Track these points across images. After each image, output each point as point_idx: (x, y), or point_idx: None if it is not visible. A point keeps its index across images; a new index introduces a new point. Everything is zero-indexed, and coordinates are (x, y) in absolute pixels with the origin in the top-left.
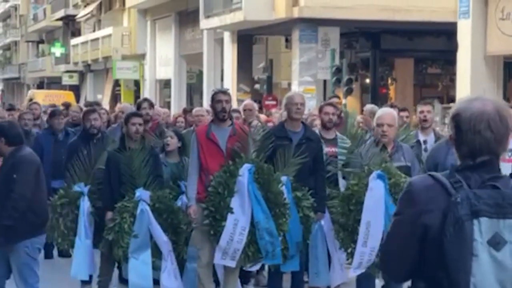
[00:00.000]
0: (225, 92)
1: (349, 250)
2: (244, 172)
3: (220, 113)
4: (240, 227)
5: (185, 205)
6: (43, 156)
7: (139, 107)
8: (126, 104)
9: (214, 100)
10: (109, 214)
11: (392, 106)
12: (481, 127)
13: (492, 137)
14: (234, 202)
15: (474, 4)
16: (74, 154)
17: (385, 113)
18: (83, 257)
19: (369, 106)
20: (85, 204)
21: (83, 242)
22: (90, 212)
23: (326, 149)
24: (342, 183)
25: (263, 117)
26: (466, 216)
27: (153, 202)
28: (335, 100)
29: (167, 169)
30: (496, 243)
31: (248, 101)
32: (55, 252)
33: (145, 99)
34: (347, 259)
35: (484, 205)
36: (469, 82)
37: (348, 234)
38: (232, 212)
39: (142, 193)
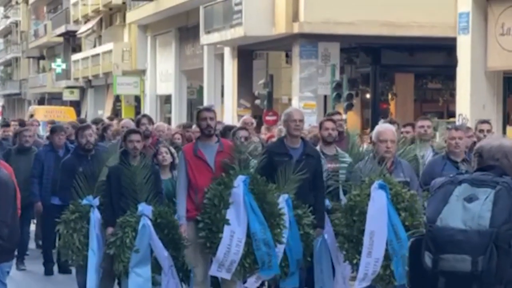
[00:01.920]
0: (208, 109)
1: (354, 261)
2: (239, 183)
3: (206, 130)
4: (237, 238)
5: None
6: (43, 173)
7: (138, 123)
8: (127, 120)
9: (199, 118)
10: (110, 229)
11: (391, 122)
12: (499, 156)
13: (508, 164)
14: (230, 214)
15: (473, 20)
16: (70, 171)
17: (387, 129)
18: (98, 268)
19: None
20: (95, 216)
21: (96, 253)
22: (102, 223)
23: (327, 165)
24: (343, 199)
25: (263, 132)
26: (450, 183)
27: (154, 217)
28: (337, 117)
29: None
30: (469, 198)
31: (246, 116)
32: (55, 268)
33: (144, 115)
34: (352, 272)
35: (469, 179)
36: (469, 98)
37: (353, 245)
38: (228, 224)
39: (144, 208)
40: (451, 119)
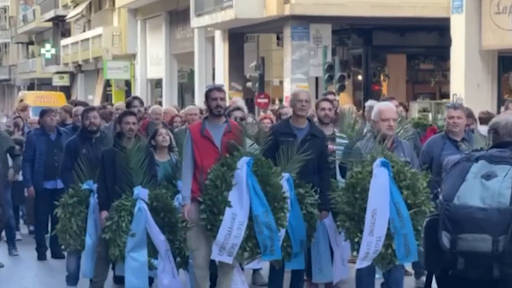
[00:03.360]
0: (219, 89)
1: (356, 240)
2: (242, 165)
3: (215, 110)
4: (238, 221)
5: (177, 204)
6: (35, 157)
7: (129, 105)
8: (121, 103)
9: (208, 97)
10: (104, 213)
11: (391, 99)
12: None
13: None
14: (232, 196)
15: None
16: (73, 153)
17: (389, 107)
18: (93, 253)
19: (372, 102)
20: (95, 201)
21: (93, 239)
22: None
23: None
24: (340, 180)
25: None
26: (466, 160)
27: (150, 200)
28: (331, 96)
29: (159, 168)
30: (488, 175)
31: (236, 98)
32: (48, 253)
33: (135, 97)
34: (353, 251)
35: (486, 156)
36: (464, 77)
37: (354, 223)
38: (230, 206)
39: (140, 192)
40: (444, 100)
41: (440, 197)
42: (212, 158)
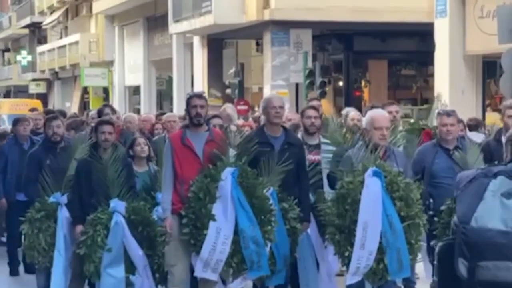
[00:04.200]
0: (200, 96)
1: (346, 254)
2: (227, 176)
3: (195, 118)
4: (223, 235)
5: (155, 217)
6: (7, 168)
7: (100, 113)
8: (96, 111)
9: (188, 104)
10: (79, 228)
11: (390, 104)
12: None
13: None
14: (216, 209)
15: (451, 3)
16: (36, 164)
17: (382, 115)
18: (64, 271)
19: (349, 110)
20: (63, 214)
21: (62, 255)
22: (70, 222)
23: (310, 156)
24: (328, 191)
25: (239, 122)
26: (483, 176)
27: (128, 213)
28: (316, 103)
29: (137, 179)
30: (508, 194)
31: (225, 105)
32: (21, 268)
33: (106, 105)
34: (343, 266)
35: (505, 171)
36: (448, 82)
37: (345, 236)
38: (214, 220)
39: (117, 204)
40: (425, 106)
41: (455, 218)
42: (193, 168)
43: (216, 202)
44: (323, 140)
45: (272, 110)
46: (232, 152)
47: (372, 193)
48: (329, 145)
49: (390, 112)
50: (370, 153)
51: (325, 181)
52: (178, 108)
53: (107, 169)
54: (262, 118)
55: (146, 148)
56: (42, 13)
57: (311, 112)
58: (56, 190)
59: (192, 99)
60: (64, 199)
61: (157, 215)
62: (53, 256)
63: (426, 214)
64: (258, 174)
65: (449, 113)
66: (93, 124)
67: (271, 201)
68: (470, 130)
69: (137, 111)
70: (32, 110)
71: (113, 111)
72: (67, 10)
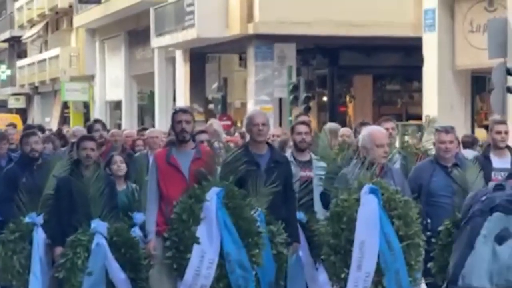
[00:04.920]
0: (185, 111)
1: (342, 276)
2: (212, 196)
3: (180, 135)
4: (208, 259)
5: (139, 238)
6: None
7: (90, 129)
8: (78, 127)
9: (173, 120)
10: (58, 250)
11: (387, 121)
12: None
13: None
14: (201, 231)
15: (440, 17)
16: (12, 182)
17: (382, 132)
18: None
19: (331, 125)
20: (39, 236)
21: (39, 279)
22: (47, 243)
23: (301, 173)
24: (320, 210)
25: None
26: (480, 213)
27: (110, 235)
28: (306, 118)
29: None
30: (501, 237)
31: (211, 120)
32: None
33: (97, 120)
34: None
35: (503, 202)
36: (436, 98)
37: (340, 257)
38: (198, 243)
39: (98, 225)
40: (410, 122)
41: (449, 272)
42: (179, 188)
43: (201, 224)
44: (314, 156)
45: (255, 127)
46: (219, 170)
47: (368, 211)
48: (321, 162)
49: (386, 129)
50: (366, 170)
51: (316, 199)
52: (160, 123)
53: (89, 187)
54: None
55: (123, 166)
56: (22, 26)
57: (302, 128)
58: (32, 209)
59: (177, 114)
60: (40, 219)
61: (135, 235)
62: (28, 280)
63: (424, 234)
64: (246, 195)
65: (448, 130)
66: (73, 140)
67: (258, 223)
68: (465, 147)
69: (118, 127)
70: (9, 125)
71: (104, 127)
72: (47, 24)
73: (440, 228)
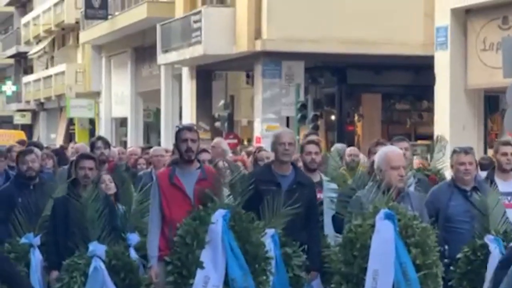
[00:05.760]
0: (190, 129)
1: None
2: (218, 218)
3: (186, 154)
4: (212, 285)
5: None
6: None
7: (92, 147)
8: (82, 144)
9: (178, 138)
10: (54, 273)
11: (400, 141)
12: None
13: None
14: (205, 255)
15: (452, 35)
16: (7, 202)
17: (398, 153)
18: None
19: (339, 146)
20: (35, 258)
21: None
22: (43, 266)
23: None
24: (330, 234)
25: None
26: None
27: (108, 258)
28: (316, 137)
29: None
30: None
31: (218, 139)
32: None
33: (100, 137)
34: None
35: None
36: (448, 117)
37: (352, 286)
38: (202, 267)
39: (96, 248)
40: (419, 142)
41: None
42: (183, 210)
43: (205, 248)
44: (325, 177)
45: (281, 146)
46: (226, 191)
47: (383, 238)
48: (332, 184)
49: (401, 149)
50: (383, 194)
51: (327, 222)
52: (166, 140)
53: (86, 208)
54: (266, 154)
55: (112, 185)
56: (28, 42)
57: (312, 148)
58: (28, 230)
59: (182, 132)
60: (37, 240)
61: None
62: None
63: (441, 261)
64: (260, 216)
65: (467, 151)
66: (73, 158)
67: (266, 248)
68: (482, 169)
69: (124, 144)
70: (19, 142)
71: (107, 144)
72: (53, 40)
73: (459, 255)
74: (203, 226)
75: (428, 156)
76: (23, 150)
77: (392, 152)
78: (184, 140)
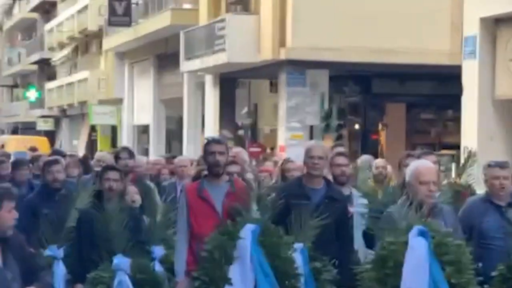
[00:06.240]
0: (219, 142)
1: None
2: (247, 233)
3: (214, 168)
4: None
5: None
6: None
7: (117, 157)
8: (103, 154)
9: (206, 151)
10: (79, 287)
11: (428, 154)
12: None
13: None
14: (233, 271)
15: (481, 44)
16: (32, 213)
17: (429, 168)
18: None
19: (366, 157)
20: (59, 270)
21: None
22: (67, 279)
23: None
24: (361, 249)
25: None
26: None
27: (133, 271)
28: (342, 149)
29: None
30: None
31: (238, 149)
32: None
33: (124, 148)
34: None
35: None
36: (476, 128)
37: None
38: (230, 284)
39: (120, 261)
40: (443, 151)
41: None
42: (211, 224)
43: (234, 264)
44: (355, 191)
45: (311, 160)
46: (255, 205)
47: (417, 256)
48: (362, 198)
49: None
50: (415, 210)
51: (357, 237)
52: (188, 148)
53: (111, 221)
54: (293, 166)
55: (137, 197)
56: (51, 49)
57: (341, 160)
58: (52, 242)
59: (210, 145)
60: (60, 252)
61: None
62: None
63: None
64: (288, 229)
65: (503, 165)
66: (97, 169)
67: (296, 264)
68: None
69: (146, 151)
70: (30, 149)
71: (131, 155)
72: (76, 46)
73: (494, 273)
74: (231, 241)
75: (453, 167)
76: (49, 161)
77: (422, 166)
78: (212, 153)
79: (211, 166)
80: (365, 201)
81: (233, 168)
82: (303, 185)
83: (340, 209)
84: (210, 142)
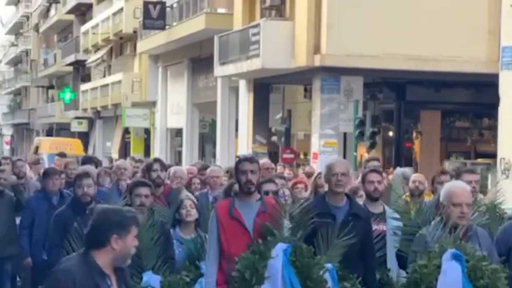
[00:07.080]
0: (251, 160)
1: None
2: (278, 253)
3: (245, 186)
4: None
5: None
6: (33, 224)
7: (149, 169)
8: (123, 162)
9: (238, 169)
10: None
11: (469, 172)
12: None
13: None
14: None
15: None
16: (62, 227)
17: (463, 189)
18: None
19: (400, 171)
20: None
21: None
22: None
23: (374, 226)
24: (394, 268)
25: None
26: None
27: None
28: (377, 163)
29: (182, 246)
30: None
31: (265, 160)
32: None
33: (156, 159)
34: None
35: None
36: None
37: None
38: None
39: (150, 278)
40: (479, 160)
41: None
42: (242, 243)
43: (264, 284)
44: (388, 208)
45: (334, 177)
46: (287, 224)
47: (450, 280)
48: (395, 215)
49: (469, 182)
50: (449, 232)
51: (390, 256)
52: (221, 152)
53: (141, 236)
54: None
55: (193, 211)
56: (86, 51)
57: (374, 176)
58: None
59: (241, 164)
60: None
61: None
62: None
63: None
64: (315, 250)
65: None
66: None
67: (328, 284)
68: None
69: (179, 154)
70: (59, 155)
71: (163, 167)
72: (111, 48)
73: None
74: (262, 261)
75: (489, 176)
76: (80, 174)
77: (456, 187)
78: (244, 172)
79: (242, 184)
80: (397, 216)
81: (269, 187)
82: (327, 203)
83: (364, 226)
84: (242, 160)
